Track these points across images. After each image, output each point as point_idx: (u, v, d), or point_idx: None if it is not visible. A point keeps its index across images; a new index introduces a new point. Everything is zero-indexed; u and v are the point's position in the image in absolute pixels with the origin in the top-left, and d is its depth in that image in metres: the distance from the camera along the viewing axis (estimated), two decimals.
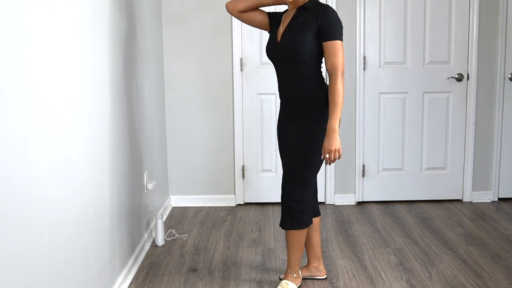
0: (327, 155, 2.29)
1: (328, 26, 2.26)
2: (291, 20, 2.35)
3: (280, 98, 2.52)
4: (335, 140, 2.26)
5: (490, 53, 3.96)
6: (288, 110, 2.46)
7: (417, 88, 4.00)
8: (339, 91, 2.25)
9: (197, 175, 4.11)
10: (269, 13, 2.53)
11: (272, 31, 2.48)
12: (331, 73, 2.28)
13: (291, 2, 2.37)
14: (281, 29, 2.40)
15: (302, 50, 2.28)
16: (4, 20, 1.50)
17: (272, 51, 2.42)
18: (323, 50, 2.30)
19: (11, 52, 1.54)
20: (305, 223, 2.50)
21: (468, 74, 3.99)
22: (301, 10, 2.33)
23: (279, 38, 2.38)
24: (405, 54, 3.97)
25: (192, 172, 4.10)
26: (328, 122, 2.28)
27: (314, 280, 2.77)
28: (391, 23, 3.93)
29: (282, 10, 2.63)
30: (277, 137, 2.62)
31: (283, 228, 2.54)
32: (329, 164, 2.30)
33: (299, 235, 2.53)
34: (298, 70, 2.34)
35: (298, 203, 2.46)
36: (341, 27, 2.30)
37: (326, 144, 2.28)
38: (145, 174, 3.22)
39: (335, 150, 2.27)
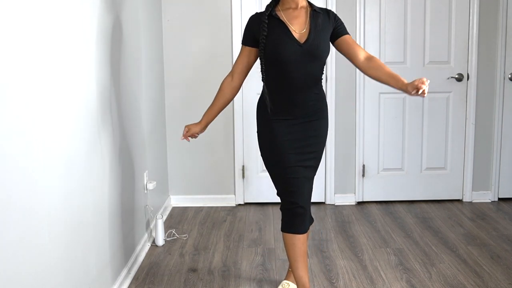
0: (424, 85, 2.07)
1: (342, 24, 2.40)
2: (312, 23, 2.29)
3: (285, 101, 2.33)
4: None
5: (490, 53, 3.96)
6: (300, 110, 2.33)
7: None
8: None
9: (197, 175, 4.11)
10: (252, 36, 2.34)
11: (277, 31, 2.28)
12: (368, 55, 2.35)
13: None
14: (295, 30, 2.28)
15: (326, 52, 2.34)
16: (5, 22, 1.50)
17: (294, 52, 2.25)
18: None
19: (11, 52, 1.54)
20: (312, 218, 2.51)
21: (468, 74, 3.99)
22: (315, 13, 2.33)
23: (301, 39, 2.27)
24: (405, 54, 3.97)
25: (192, 172, 4.10)
26: (402, 82, 2.17)
27: (314, 280, 2.77)
28: (391, 23, 3.93)
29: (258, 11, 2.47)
30: (282, 139, 2.35)
31: (300, 232, 2.39)
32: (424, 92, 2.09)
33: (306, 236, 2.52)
34: (317, 71, 2.34)
35: (309, 206, 2.45)
36: None
37: (416, 82, 2.07)
38: (145, 174, 3.22)
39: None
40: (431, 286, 2.68)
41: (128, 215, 2.82)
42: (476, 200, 4.13)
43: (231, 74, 2.44)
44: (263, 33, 2.27)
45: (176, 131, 4.05)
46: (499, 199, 4.14)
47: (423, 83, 2.04)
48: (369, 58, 2.33)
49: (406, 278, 2.78)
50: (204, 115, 2.51)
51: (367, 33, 3.93)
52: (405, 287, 2.68)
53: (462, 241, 3.28)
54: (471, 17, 3.92)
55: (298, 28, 2.29)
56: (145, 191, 3.23)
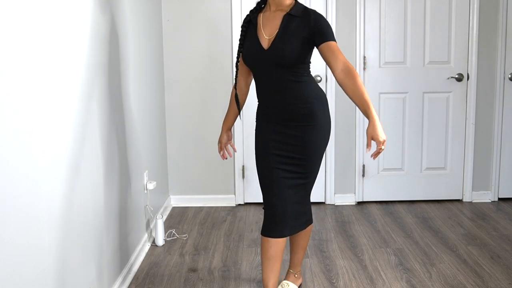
0: (381, 146, 1.99)
1: (323, 30, 2.17)
2: (280, 28, 2.19)
3: (266, 104, 2.34)
4: (382, 130, 2.01)
5: (490, 53, 3.96)
6: (280, 114, 2.28)
7: (417, 88, 4.00)
8: (362, 84, 2.09)
9: (197, 175, 4.11)
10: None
11: (250, 35, 2.30)
12: (347, 69, 2.09)
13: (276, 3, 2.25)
14: (264, 35, 2.24)
15: (295, 59, 2.20)
16: (7, 22, 1.50)
17: (257, 58, 2.25)
18: (310, 54, 2.27)
19: (13, 54, 1.54)
20: (311, 219, 2.48)
21: (468, 74, 3.99)
22: (289, 17, 2.20)
23: (265, 45, 2.22)
24: (405, 54, 3.97)
25: (192, 172, 4.10)
26: (371, 113, 1.99)
27: (314, 280, 2.77)
28: (391, 23, 3.93)
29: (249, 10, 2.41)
30: (266, 139, 2.34)
31: (270, 236, 2.34)
32: (375, 157, 2.01)
33: (305, 234, 2.51)
34: (288, 76, 2.22)
35: (303, 213, 2.40)
36: (332, 32, 2.22)
37: (378, 134, 1.97)
38: (145, 174, 3.22)
39: (384, 141, 1.99)
40: (431, 286, 2.68)
41: (128, 215, 2.82)
42: (476, 200, 4.13)
43: (238, 77, 2.45)
44: (240, 42, 2.33)
45: (176, 131, 4.05)
46: (499, 199, 4.14)
47: (378, 150, 1.97)
48: (345, 74, 2.08)
49: (406, 278, 2.78)
50: (223, 121, 2.59)
51: (367, 33, 3.93)
52: (405, 287, 2.68)
53: (462, 241, 3.28)
54: (471, 17, 3.92)
55: (269, 32, 2.24)
56: (145, 191, 3.23)
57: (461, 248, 3.17)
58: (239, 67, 2.42)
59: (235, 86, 2.46)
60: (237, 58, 2.37)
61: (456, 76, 3.99)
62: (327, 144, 2.39)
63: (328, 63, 2.15)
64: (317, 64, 3.96)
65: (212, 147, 4.07)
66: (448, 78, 3.99)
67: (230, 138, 2.59)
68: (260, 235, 2.40)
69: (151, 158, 3.46)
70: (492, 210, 3.91)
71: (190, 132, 4.05)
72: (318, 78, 3.95)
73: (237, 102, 2.46)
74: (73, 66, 2.04)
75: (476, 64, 3.95)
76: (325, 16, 3.89)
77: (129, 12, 2.90)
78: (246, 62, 2.33)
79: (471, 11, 3.91)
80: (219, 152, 2.60)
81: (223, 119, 2.59)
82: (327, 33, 2.17)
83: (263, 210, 2.40)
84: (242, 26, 2.33)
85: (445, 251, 3.13)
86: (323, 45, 2.15)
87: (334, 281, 2.77)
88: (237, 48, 2.40)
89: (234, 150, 2.65)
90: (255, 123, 2.45)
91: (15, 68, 1.57)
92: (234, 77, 2.44)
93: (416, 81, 3.99)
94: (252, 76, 2.41)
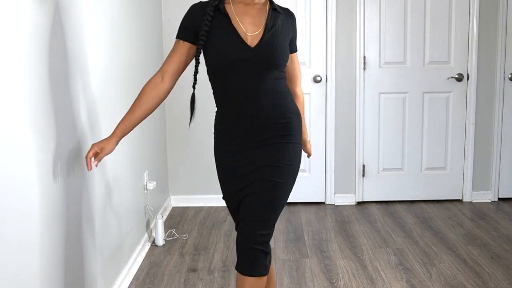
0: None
1: (296, 37, 2.06)
2: (268, 23, 1.87)
3: (234, 117, 1.92)
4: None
5: (490, 53, 3.96)
6: (252, 132, 1.89)
7: (417, 88, 4.01)
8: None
9: (197, 175, 4.11)
10: (189, 33, 1.91)
11: (220, 28, 1.85)
12: (297, 82, 2.11)
13: None
14: (244, 30, 1.84)
15: (284, 59, 1.91)
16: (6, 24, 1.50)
17: (242, 57, 1.83)
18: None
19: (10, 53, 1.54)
20: (268, 267, 1.95)
21: (468, 74, 3.99)
22: (274, 13, 1.90)
23: (252, 42, 1.84)
24: (405, 54, 3.97)
25: (192, 172, 4.10)
26: (304, 131, 2.06)
27: (314, 280, 2.77)
28: (391, 23, 3.93)
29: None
30: (229, 170, 1.98)
31: (249, 274, 1.87)
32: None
33: (262, 282, 1.93)
34: (273, 81, 1.89)
35: (266, 245, 1.90)
36: None
37: (310, 148, 2.25)
38: (145, 174, 3.22)
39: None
40: (431, 286, 2.68)
41: (128, 215, 2.82)
42: (476, 200, 4.13)
43: (160, 74, 1.93)
44: (204, 28, 1.83)
45: (176, 131, 4.05)
46: (499, 199, 4.14)
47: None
48: (296, 86, 2.10)
49: (406, 278, 2.78)
50: (118, 125, 1.85)
51: (367, 33, 3.93)
52: (405, 287, 2.68)
53: (462, 241, 3.28)
54: (471, 17, 3.92)
55: (250, 28, 1.85)
56: (145, 191, 3.23)
57: (461, 248, 3.17)
58: (178, 57, 1.98)
59: (193, 86, 2.03)
60: (198, 52, 1.92)
61: (456, 76, 3.99)
62: (299, 167, 2.00)
63: (290, 74, 2.05)
64: (317, 64, 3.97)
65: (212, 147, 4.06)
66: (448, 78, 3.99)
67: (113, 149, 1.84)
68: (237, 272, 1.92)
69: (151, 158, 3.46)
70: (492, 210, 3.91)
71: (190, 132, 4.05)
72: (318, 78, 3.95)
73: (193, 105, 2.05)
74: (79, 67, 2.04)
75: (476, 64, 3.95)
76: (325, 16, 3.90)
77: (129, 12, 2.90)
78: (217, 61, 1.89)
79: (471, 11, 3.91)
80: (87, 159, 1.78)
81: (124, 119, 1.85)
82: (296, 42, 2.07)
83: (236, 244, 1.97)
84: (207, 14, 1.84)
85: (445, 251, 3.13)
86: (294, 55, 2.05)
87: (334, 281, 2.77)
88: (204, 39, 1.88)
89: (96, 165, 1.85)
90: (213, 138, 2.07)
91: (15, 67, 1.57)
92: (194, 74, 2.01)
93: (416, 81, 3.99)
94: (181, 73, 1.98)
